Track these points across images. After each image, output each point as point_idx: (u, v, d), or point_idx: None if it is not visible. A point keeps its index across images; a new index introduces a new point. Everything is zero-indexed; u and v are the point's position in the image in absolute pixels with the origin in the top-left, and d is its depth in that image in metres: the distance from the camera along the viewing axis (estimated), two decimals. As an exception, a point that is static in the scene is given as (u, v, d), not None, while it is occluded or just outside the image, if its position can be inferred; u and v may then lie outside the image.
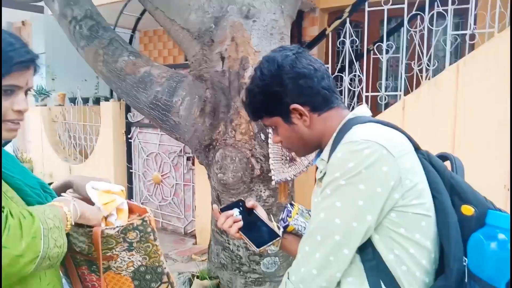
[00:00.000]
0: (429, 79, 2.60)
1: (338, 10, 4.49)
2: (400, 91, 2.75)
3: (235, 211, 1.07)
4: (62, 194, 1.08)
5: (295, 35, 4.57)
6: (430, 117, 2.47)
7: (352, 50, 2.96)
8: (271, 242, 1.03)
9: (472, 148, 2.32)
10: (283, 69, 0.93)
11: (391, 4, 2.69)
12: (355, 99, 3.14)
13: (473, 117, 2.34)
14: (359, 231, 0.82)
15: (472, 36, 2.50)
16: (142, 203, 4.28)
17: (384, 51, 2.78)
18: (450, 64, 2.48)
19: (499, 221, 0.79)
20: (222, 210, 1.09)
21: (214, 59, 2.41)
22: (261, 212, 1.11)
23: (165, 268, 1.09)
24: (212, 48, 2.42)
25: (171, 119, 2.65)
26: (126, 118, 4.40)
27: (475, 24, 2.49)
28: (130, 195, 4.41)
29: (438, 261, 0.87)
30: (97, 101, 5.24)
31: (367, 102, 2.87)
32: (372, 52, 2.97)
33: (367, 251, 0.85)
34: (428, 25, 2.59)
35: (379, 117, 2.43)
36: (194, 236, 3.91)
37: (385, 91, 2.82)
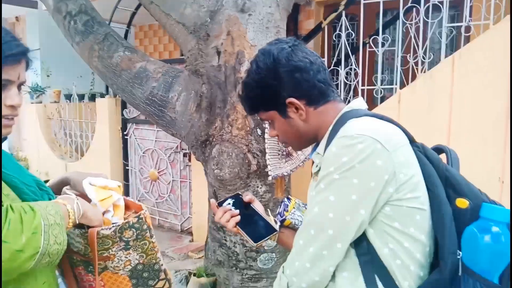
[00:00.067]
0: (424, 72, 2.60)
1: (334, 3, 4.47)
2: (396, 84, 2.75)
3: (233, 206, 1.07)
4: (66, 192, 1.07)
5: (291, 29, 4.55)
6: (426, 110, 2.47)
7: (348, 44, 2.95)
8: (268, 237, 1.03)
9: (467, 141, 2.32)
10: (279, 62, 0.92)
11: (387, -3, 2.69)
12: (351, 92, 3.13)
13: (468, 109, 2.34)
14: (352, 225, 0.82)
15: (468, 28, 2.50)
16: (138, 200, 4.23)
17: (380, 44, 2.77)
18: (446, 56, 2.48)
19: (493, 214, 0.80)
20: (220, 204, 1.09)
21: (210, 53, 2.40)
22: (258, 207, 1.11)
23: (162, 264, 1.09)
24: (208, 42, 2.40)
25: (167, 115, 2.64)
26: (122, 114, 4.38)
27: (470, 16, 2.49)
28: (126, 193, 4.40)
29: (433, 254, 0.87)
30: (92, 98, 5.21)
31: (363, 95, 2.87)
32: (367, 45, 2.97)
33: (361, 245, 0.85)
34: (424, 17, 2.58)
35: (375, 110, 2.44)
36: (190, 233, 3.90)
37: (381, 85, 2.82)
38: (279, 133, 1.02)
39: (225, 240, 2.54)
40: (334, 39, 3.10)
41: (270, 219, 1.09)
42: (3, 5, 5.66)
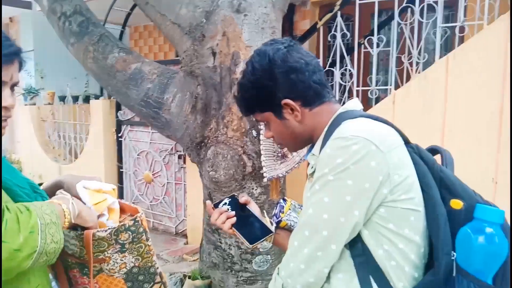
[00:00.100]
0: (419, 72, 2.61)
1: (329, 3, 4.48)
2: (391, 85, 2.75)
3: (228, 207, 1.07)
4: (63, 193, 1.07)
5: (286, 29, 4.56)
6: (421, 111, 2.48)
7: (343, 44, 2.96)
8: (264, 238, 1.04)
9: (461, 141, 2.33)
10: (274, 63, 0.92)
11: (382, -3, 2.70)
12: (346, 93, 3.14)
13: (462, 110, 2.35)
14: (346, 226, 0.82)
15: (462, 29, 2.52)
16: (133, 203, 4.23)
17: (375, 45, 2.78)
18: (440, 57, 2.49)
19: (487, 215, 0.80)
20: (215, 206, 1.08)
21: (205, 54, 2.39)
22: (254, 208, 1.11)
23: (157, 268, 1.09)
24: (203, 43, 2.40)
25: (162, 116, 2.63)
26: (117, 116, 4.36)
27: (465, 16, 2.50)
28: (120, 195, 4.38)
29: (428, 255, 0.87)
30: (87, 99, 5.19)
31: (357, 96, 2.87)
32: (362, 46, 2.97)
33: (356, 246, 0.85)
34: (419, 17, 2.59)
35: (370, 111, 2.44)
36: (185, 236, 3.89)
37: (376, 85, 2.82)
38: (274, 134, 1.02)
39: (220, 243, 2.54)
40: (329, 39, 3.10)
41: (266, 221, 1.09)
42: (-3, 6, 5.62)
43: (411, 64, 2.68)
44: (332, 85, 2.95)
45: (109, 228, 0.98)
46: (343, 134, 0.85)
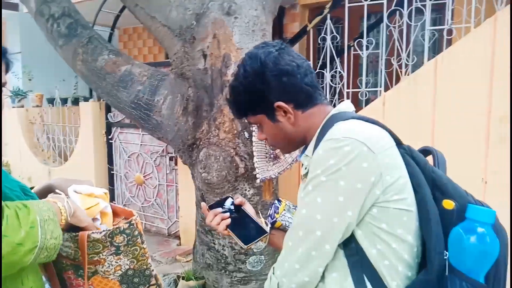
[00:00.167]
0: (408, 74, 2.64)
1: (319, 6, 4.52)
2: (380, 87, 2.78)
3: (223, 209, 1.07)
4: (57, 192, 1.07)
5: (276, 32, 4.58)
6: (410, 112, 2.51)
7: (333, 46, 2.98)
8: (258, 238, 1.04)
9: (450, 142, 2.37)
10: (266, 66, 0.93)
11: (371, 0, 2.72)
12: (336, 95, 3.16)
13: (451, 111, 2.39)
14: (339, 226, 0.83)
15: (450, 31, 2.56)
16: (124, 205, 4.22)
17: (364, 47, 2.81)
18: (429, 59, 2.53)
19: (478, 215, 0.81)
20: (210, 207, 1.09)
21: (196, 56, 2.39)
22: (249, 209, 1.12)
23: (152, 270, 1.09)
24: (194, 45, 2.40)
25: (153, 118, 2.62)
26: (107, 118, 4.33)
27: (452, 19, 2.54)
28: (111, 197, 4.34)
29: (421, 255, 0.88)
30: (76, 102, 5.13)
31: (348, 98, 2.90)
32: (352, 48, 3.00)
33: (350, 246, 0.86)
34: (407, 20, 2.63)
35: (360, 113, 2.46)
36: (178, 237, 3.88)
37: (366, 87, 2.85)
38: (268, 137, 1.02)
39: (214, 243, 2.53)
40: (319, 42, 3.12)
41: (261, 221, 1.10)
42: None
43: (400, 66, 2.71)
44: (322, 87, 2.97)
45: (104, 230, 0.98)
46: (335, 135, 0.86)
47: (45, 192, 1.12)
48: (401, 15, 2.68)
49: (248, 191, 2.40)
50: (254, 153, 2.28)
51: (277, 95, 0.94)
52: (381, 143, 0.86)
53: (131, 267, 1.04)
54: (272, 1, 2.53)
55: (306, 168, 0.94)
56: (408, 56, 2.67)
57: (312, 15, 4.83)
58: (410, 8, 2.63)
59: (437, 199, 0.87)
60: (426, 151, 0.99)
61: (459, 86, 2.35)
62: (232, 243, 2.47)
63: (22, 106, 5.50)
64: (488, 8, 2.48)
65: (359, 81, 2.92)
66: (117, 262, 1.02)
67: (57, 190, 1.06)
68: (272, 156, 2.27)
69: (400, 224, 0.85)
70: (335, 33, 2.94)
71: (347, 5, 2.81)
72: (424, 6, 2.57)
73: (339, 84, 2.98)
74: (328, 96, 3.01)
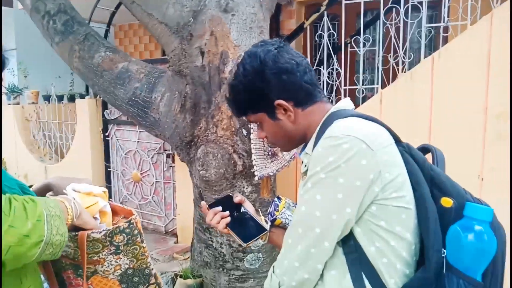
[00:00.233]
0: (404, 71, 2.65)
1: (315, 3, 4.50)
2: (377, 84, 2.79)
3: (223, 207, 1.08)
4: (50, 197, 1.07)
5: (273, 29, 4.56)
6: (407, 109, 2.52)
7: (330, 43, 2.98)
8: (258, 236, 1.05)
9: (447, 139, 2.38)
10: (265, 64, 0.93)
11: (368, -3, 2.73)
12: (333, 93, 3.16)
13: (448, 108, 2.40)
14: (338, 223, 0.83)
15: (446, 28, 2.56)
16: (121, 203, 4.22)
17: (361, 44, 2.81)
18: (425, 56, 2.54)
19: (476, 213, 0.82)
20: (210, 206, 1.09)
21: (193, 53, 2.39)
22: (248, 207, 1.13)
23: (152, 269, 1.09)
24: (191, 42, 2.39)
25: (150, 115, 2.61)
26: (103, 115, 4.31)
27: (448, 16, 2.55)
28: (109, 195, 4.32)
29: (419, 252, 0.89)
30: (72, 99, 5.11)
31: (345, 95, 2.90)
32: (349, 45, 3.00)
33: (349, 244, 0.87)
34: (404, 17, 2.63)
35: (357, 110, 2.46)
36: (175, 235, 3.87)
37: (362, 85, 2.86)
38: (268, 135, 1.03)
39: (212, 241, 2.54)
40: (316, 39, 3.12)
41: (261, 219, 1.10)
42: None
43: (397, 63, 2.71)
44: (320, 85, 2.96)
45: (103, 230, 0.98)
46: (334, 133, 0.86)
47: (43, 191, 1.12)
48: (397, 12, 2.68)
49: (246, 188, 2.40)
50: (252, 151, 2.28)
51: (277, 93, 0.94)
52: (380, 141, 0.86)
53: (131, 266, 1.04)
54: (270, -2, 2.52)
55: (305, 165, 0.95)
56: (404, 53, 2.67)
57: (308, 12, 4.82)
58: (406, 6, 2.63)
59: (436, 197, 0.87)
60: (425, 149, 1.00)
61: (455, 83, 2.37)
62: (230, 241, 2.47)
63: (18, 103, 5.47)
64: (484, 5, 2.49)
65: (356, 78, 2.92)
66: (117, 262, 1.02)
67: (64, 191, 1.06)
68: (270, 153, 2.27)
69: (398, 222, 0.86)
70: (331, 30, 2.94)
71: (344, 2, 2.80)
72: (421, 3, 2.57)
73: (336, 81, 2.98)
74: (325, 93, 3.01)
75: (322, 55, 2.98)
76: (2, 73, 0.94)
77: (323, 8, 2.93)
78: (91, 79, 2.85)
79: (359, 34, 2.85)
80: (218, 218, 1.06)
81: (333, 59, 2.98)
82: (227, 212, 1.06)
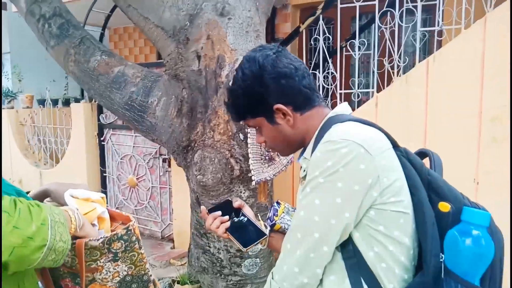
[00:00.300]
0: (399, 75, 2.66)
1: (310, 7, 4.53)
2: (373, 88, 2.80)
3: (222, 212, 1.08)
4: (70, 199, 1.07)
5: (268, 32, 4.58)
6: (403, 113, 2.54)
7: (325, 47, 3.00)
8: (258, 241, 1.05)
9: (442, 142, 2.40)
10: (264, 69, 0.93)
11: (363, 1, 2.74)
12: (329, 97, 3.17)
13: (443, 111, 2.42)
14: (337, 228, 0.84)
15: (440, 32, 2.59)
16: (117, 208, 4.20)
17: (356, 48, 2.82)
18: (420, 60, 2.55)
19: (474, 218, 0.82)
20: (210, 211, 1.09)
21: (190, 57, 2.39)
22: (248, 212, 1.13)
23: (151, 275, 1.08)
24: (188, 46, 2.39)
25: (147, 120, 2.60)
26: (98, 119, 4.29)
27: (442, 20, 2.57)
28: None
29: (417, 257, 0.89)
30: (67, 103, 5.08)
31: (341, 99, 2.92)
32: (344, 49, 3.01)
33: (348, 248, 0.87)
34: (399, 21, 2.65)
35: (353, 114, 2.47)
36: (171, 240, 3.84)
37: (358, 88, 2.87)
38: (267, 139, 1.03)
39: (209, 247, 2.53)
40: (312, 43, 3.13)
41: (260, 224, 1.10)
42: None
43: (392, 67, 2.73)
44: (315, 88, 2.96)
45: (101, 237, 0.98)
46: (333, 137, 0.86)
47: (41, 197, 1.12)
48: (392, 16, 2.69)
49: (243, 193, 2.40)
50: (250, 155, 2.28)
51: (276, 98, 0.94)
52: (378, 145, 0.86)
53: (129, 273, 1.04)
54: (266, 2, 2.53)
55: (304, 170, 0.95)
56: (399, 57, 2.69)
57: (303, 15, 4.84)
58: (401, 9, 2.65)
59: (433, 201, 0.88)
60: (422, 154, 1.00)
61: (450, 87, 2.38)
62: (227, 246, 2.47)
63: (12, 108, 5.43)
64: (478, 9, 2.51)
65: (351, 82, 2.93)
66: (115, 269, 1.01)
67: (48, 204, 1.05)
68: (267, 158, 2.28)
69: (397, 227, 0.86)
70: (327, 34, 2.96)
71: (339, 5, 2.82)
72: (415, 7, 2.59)
73: (331, 85, 2.99)
74: (321, 98, 3.01)
75: (317, 59, 2.99)
76: None
77: (318, 11, 2.95)
78: (87, 83, 2.84)
79: (354, 38, 2.87)
80: (218, 223, 1.06)
81: (328, 63, 2.99)
82: (227, 217, 1.06)
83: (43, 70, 5.44)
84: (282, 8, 4.87)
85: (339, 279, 0.87)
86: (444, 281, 0.83)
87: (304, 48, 3.04)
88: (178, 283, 2.71)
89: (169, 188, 3.86)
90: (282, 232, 1.10)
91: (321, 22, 2.92)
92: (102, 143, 4.31)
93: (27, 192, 1.08)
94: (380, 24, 2.74)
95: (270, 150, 2.24)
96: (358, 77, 2.88)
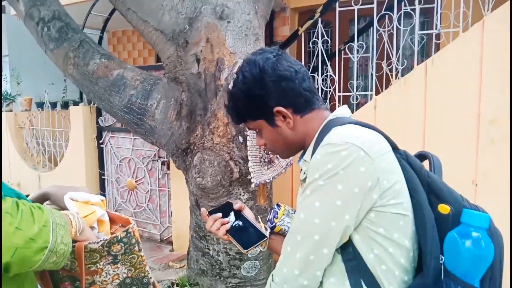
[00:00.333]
0: (398, 78, 2.68)
1: (309, 10, 4.54)
2: (371, 90, 2.81)
3: (223, 214, 1.08)
4: (69, 203, 1.08)
5: (267, 35, 4.59)
6: (401, 116, 2.54)
7: (323, 50, 3.01)
8: (258, 243, 1.05)
9: (441, 145, 2.40)
10: (265, 72, 0.94)
11: (361, 4, 2.75)
12: (328, 99, 3.18)
13: (442, 114, 2.43)
14: (337, 230, 0.84)
15: (438, 35, 2.60)
16: (116, 211, 4.18)
17: (355, 51, 2.83)
18: (418, 63, 2.56)
19: (473, 220, 0.82)
20: (210, 213, 1.09)
21: (189, 61, 2.39)
22: (248, 214, 1.13)
23: (150, 278, 1.08)
24: (187, 49, 2.39)
25: (146, 123, 2.61)
26: (97, 122, 4.29)
27: (440, 23, 2.58)
28: (104, 202, 4.29)
29: (417, 259, 0.90)
30: (65, 105, 5.08)
31: (339, 102, 2.93)
32: (343, 52, 3.03)
33: (348, 251, 0.87)
34: (397, 24, 2.66)
35: (352, 116, 2.47)
36: (170, 243, 3.84)
37: (356, 91, 2.88)
38: (267, 142, 1.03)
39: (208, 249, 2.53)
40: (310, 45, 3.14)
41: (260, 226, 1.10)
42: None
43: (390, 69, 2.74)
44: (314, 91, 2.96)
45: (101, 240, 0.98)
46: (333, 140, 0.86)
47: (40, 200, 1.11)
48: (390, 19, 2.71)
49: (243, 195, 2.40)
50: (249, 158, 2.28)
51: (276, 100, 0.95)
52: (378, 148, 0.87)
53: (129, 275, 1.04)
54: (265, 6, 2.54)
55: (304, 173, 0.95)
56: (398, 60, 2.70)
57: (301, 18, 4.86)
58: (399, 13, 2.66)
59: (433, 203, 0.88)
60: (422, 156, 1.01)
61: (449, 90, 2.39)
62: (227, 249, 2.46)
63: (11, 111, 5.43)
64: (476, 12, 2.53)
65: (350, 85, 2.94)
66: (115, 271, 1.01)
67: (48, 207, 1.05)
68: (266, 160, 2.28)
69: (397, 229, 0.86)
70: (326, 37, 2.97)
71: (337, 9, 2.83)
72: (413, 10, 2.60)
73: (330, 87, 3.00)
74: (320, 101, 3.01)
75: (316, 62, 3.00)
76: None
77: (317, 15, 2.96)
78: (86, 86, 2.84)
79: (352, 41, 2.88)
80: (218, 225, 1.06)
81: (327, 66, 3.00)
82: (227, 219, 1.07)
83: (41, 73, 5.44)
84: (280, 11, 4.88)
85: (339, 281, 0.87)
86: (444, 283, 0.83)
87: (303, 51, 3.05)
88: (177, 285, 2.71)
89: (168, 190, 3.86)
90: (282, 234, 1.10)
91: (319, 25, 2.93)
92: (101, 146, 4.31)
93: (27, 196, 1.08)
94: (378, 27, 2.75)
95: (270, 152, 2.25)
96: (357, 80, 2.89)
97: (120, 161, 4.18)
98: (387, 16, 2.76)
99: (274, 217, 1.10)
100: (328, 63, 3.00)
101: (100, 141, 4.30)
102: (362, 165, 0.83)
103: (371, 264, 0.86)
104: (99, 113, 4.27)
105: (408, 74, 2.56)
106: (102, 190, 4.39)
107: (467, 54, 2.32)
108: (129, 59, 6.37)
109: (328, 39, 3.03)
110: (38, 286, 1.04)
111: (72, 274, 1.00)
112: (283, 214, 1.11)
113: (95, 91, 2.78)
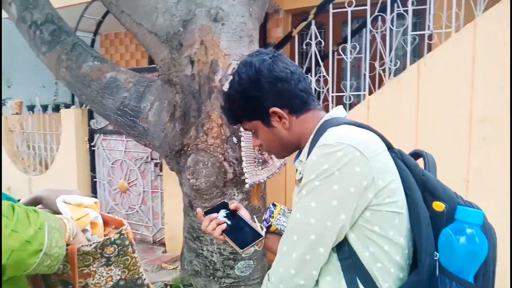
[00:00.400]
0: (390, 78, 2.69)
1: (302, 11, 4.56)
2: (364, 90, 2.83)
3: (219, 214, 1.08)
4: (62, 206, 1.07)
5: (260, 37, 4.59)
6: (394, 115, 2.56)
7: (317, 51, 3.02)
8: (254, 243, 1.05)
9: (434, 143, 2.42)
10: (261, 73, 0.94)
11: (355, 6, 2.77)
12: (322, 100, 3.19)
13: (434, 113, 2.45)
14: (333, 230, 0.84)
15: (430, 36, 2.62)
16: (108, 213, 4.15)
17: (348, 52, 2.85)
18: (411, 63, 2.58)
19: (467, 216, 0.83)
20: (206, 213, 1.09)
21: (183, 63, 2.39)
22: (244, 214, 1.13)
23: (144, 279, 1.08)
24: (181, 51, 2.39)
25: (139, 125, 2.59)
26: (89, 125, 4.26)
27: (433, 24, 2.61)
28: (97, 205, 4.26)
29: (412, 256, 0.90)
30: (56, 108, 5.03)
31: (332, 102, 2.94)
32: (336, 53, 3.04)
33: (343, 249, 0.87)
34: (390, 25, 2.68)
35: (347, 117, 2.48)
36: (163, 244, 3.82)
37: (349, 91, 2.90)
38: (263, 142, 1.03)
39: (202, 250, 2.52)
40: (304, 47, 3.15)
41: (256, 226, 1.10)
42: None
43: (383, 70, 2.76)
44: (308, 92, 2.97)
45: (93, 242, 0.97)
46: (328, 141, 0.87)
47: (33, 204, 1.10)
48: (383, 20, 2.73)
49: (237, 196, 2.40)
50: (243, 158, 2.28)
51: (272, 101, 0.95)
52: (373, 148, 0.87)
53: (123, 277, 1.03)
54: (259, 8, 2.54)
55: (300, 173, 0.96)
56: (390, 60, 2.72)
57: (295, 20, 4.88)
58: (392, 14, 2.68)
59: (428, 201, 0.89)
60: (417, 154, 1.02)
61: (441, 90, 2.42)
62: (220, 249, 2.46)
63: (1, 114, 5.37)
64: (468, 13, 2.56)
65: (343, 85, 2.96)
66: (108, 273, 1.01)
67: (59, 208, 1.05)
68: (260, 160, 2.28)
69: (392, 227, 0.87)
70: (319, 38, 2.98)
71: (331, 11, 2.85)
72: (406, 11, 2.63)
73: (323, 88, 3.01)
74: (314, 101, 3.03)
75: (309, 63, 3.01)
76: None
77: (311, 16, 2.97)
78: (79, 89, 2.82)
79: (345, 42, 2.89)
80: (214, 225, 1.06)
81: (320, 67, 3.01)
82: (223, 219, 1.06)
83: (32, 76, 5.39)
84: (274, 13, 4.90)
85: (335, 280, 0.88)
86: (438, 279, 0.84)
87: (296, 53, 3.06)
88: (171, 287, 2.70)
89: (161, 192, 3.84)
90: (278, 233, 1.10)
91: (313, 26, 2.94)
92: (93, 148, 4.28)
93: (18, 200, 1.07)
94: (371, 28, 2.77)
95: (264, 153, 2.25)
96: (350, 80, 2.91)
97: (112, 164, 4.15)
98: (380, 17, 2.78)
99: (270, 216, 1.10)
100: (322, 64, 3.01)
101: (92, 144, 4.27)
102: (358, 165, 0.83)
103: (366, 262, 0.86)
104: (91, 116, 4.24)
105: (400, 75, 2.58)
106: (94, 193, 4.35)
107: (459, 55, 2.35)
108: (122, 62, 6.34)
109: (322, 40, 3.04)
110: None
111: (64, 278, 0.99)
112: (279, 214, 1.11)
113: (87, 93, 2.76)
